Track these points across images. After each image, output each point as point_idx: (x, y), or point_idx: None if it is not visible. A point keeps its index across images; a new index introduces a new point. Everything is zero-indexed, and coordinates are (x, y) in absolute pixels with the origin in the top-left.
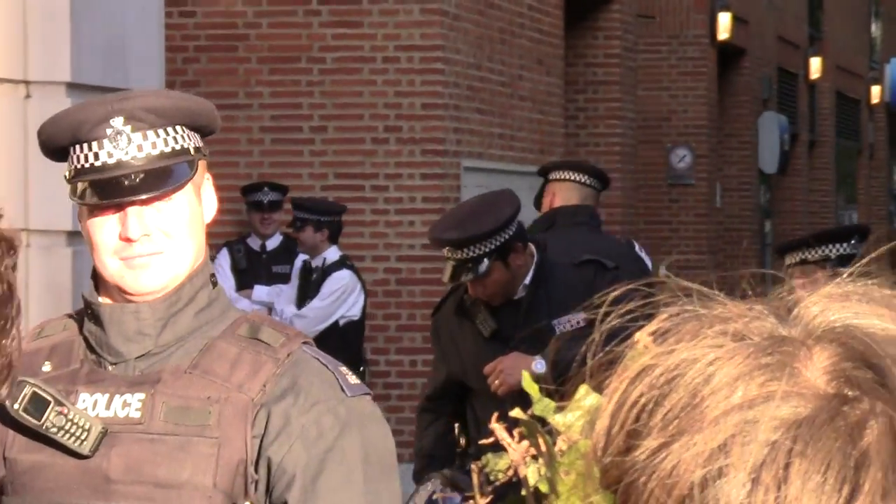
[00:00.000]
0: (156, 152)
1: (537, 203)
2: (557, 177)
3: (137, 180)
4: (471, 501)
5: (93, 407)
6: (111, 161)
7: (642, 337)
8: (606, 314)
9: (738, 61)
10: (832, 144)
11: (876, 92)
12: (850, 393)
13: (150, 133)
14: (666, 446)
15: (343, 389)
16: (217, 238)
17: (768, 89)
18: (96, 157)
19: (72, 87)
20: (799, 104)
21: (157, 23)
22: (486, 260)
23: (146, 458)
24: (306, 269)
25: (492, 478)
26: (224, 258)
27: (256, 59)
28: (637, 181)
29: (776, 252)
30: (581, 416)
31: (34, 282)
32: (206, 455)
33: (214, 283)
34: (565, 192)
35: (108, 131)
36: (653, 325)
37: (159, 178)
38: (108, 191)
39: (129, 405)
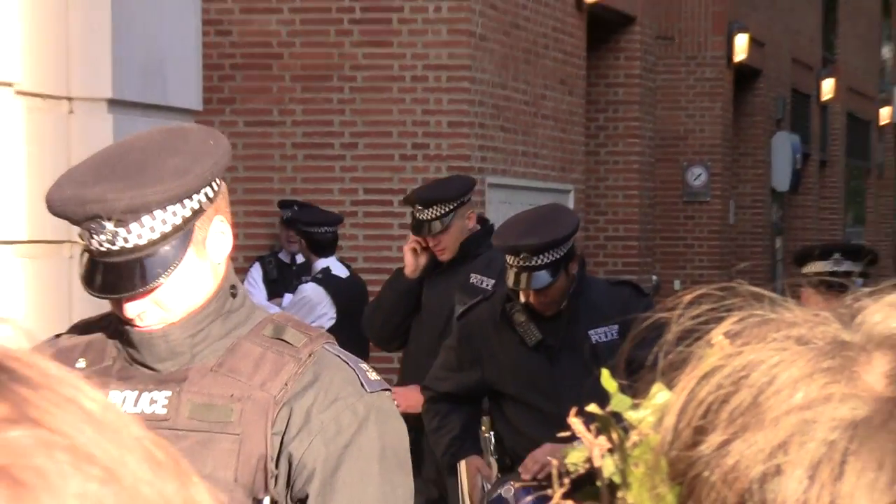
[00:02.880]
0: (142, 241)
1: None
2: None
3: (123, 274)
4: (548, 490)
5: (122, 403)
6: (97, 249)
7: (717, 337)
8: (679, 316)
9: (753, 82)
10: (842, 164)
11: (885, 113)
12: None
13: (134, 225)
14: (729, 442)
15: (363, 385)
16: (250, 250)
17: (782, 110)
18: (89, 242)
19: (112, 102)
20: (811, 124)
21: (195, 41)
22: (551, 268)
23: None
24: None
25: (571, 469)
26: (256, 270)
27: (290, 77)
28: (654, 198)
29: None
30: (653, 412)
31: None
32: (228, 451)
33: (234, 294)
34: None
35: (92, 226)
36: (724, 327)
37: (151, 266)
38: (98, 282)
39: (156, 402)
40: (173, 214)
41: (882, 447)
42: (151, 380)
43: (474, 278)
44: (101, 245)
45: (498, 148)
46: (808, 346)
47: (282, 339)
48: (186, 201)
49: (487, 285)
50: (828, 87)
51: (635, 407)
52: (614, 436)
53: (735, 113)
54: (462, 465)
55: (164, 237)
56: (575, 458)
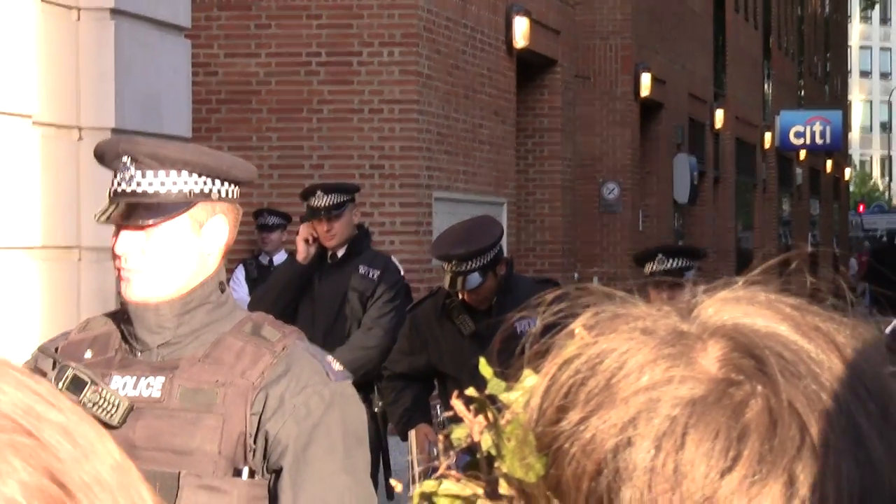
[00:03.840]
0: (151, 190)
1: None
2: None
3: (131, 209)
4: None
5: (122, 387)
6: (119, 189)
7: (576, 329)
8: (544, 312)
9: (656, 113)
10: (732, 180)
11: (768, 138)
12: (735, 377)
13: (150, 173)
14: (586, 419)
15: (328, 374)
16: (234, 254)
17: (681, 136)
18: (113, 184)
19: (116, 131)
20: (706, 148)
21: (186, 81)
22: (480, 271)
23: (164, 430)
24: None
25: (455, 444)
26: (240, 271)
27: (266, 110)
28: (574, 209)
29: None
30: (523, 394)
31: (85, 289)
32: (213, 428)
33: (223, 290)
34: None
35: (119, 165)
36: (581, 321)
37: (147, 211)
38: (111, 214)
39: (152, 386)
40: (184, 183)
41: (716, 421)
42: (148, 367)
43: (363, 269)
44: (120, 185)
45: (442, 168)
46: (652, 336)
47: (259, 335)
48: (198, 179)
49: (373, 276)
50: (719, 117)
51: (508, 389)
52: (490, 415)
53: (642, 138)
54: (412, 433)
55: (169, 196)
56: (458, 434)
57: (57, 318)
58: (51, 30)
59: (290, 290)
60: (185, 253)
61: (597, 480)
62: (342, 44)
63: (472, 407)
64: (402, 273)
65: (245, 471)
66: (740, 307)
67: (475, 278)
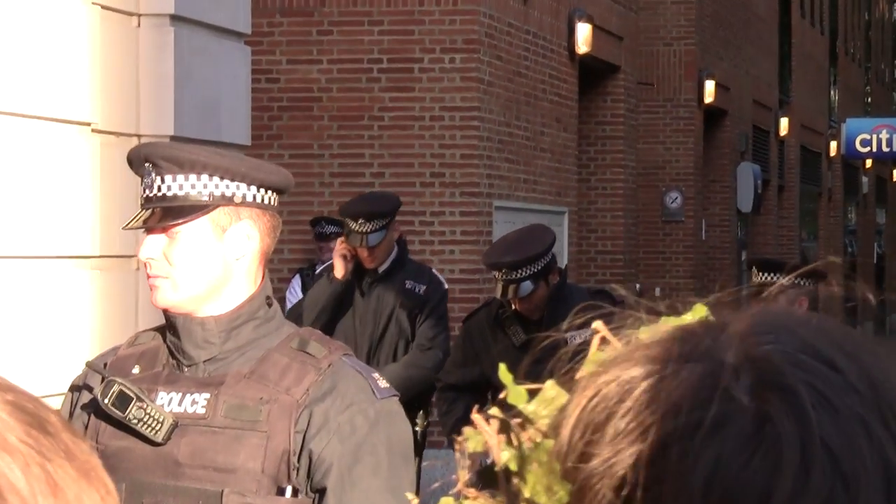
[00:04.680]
0: (170, 193)
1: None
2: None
3: (152, 214)
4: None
5: (168, 403)
6: (144, 195)
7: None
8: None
9: (720, 120)
10: (797, 189)
11: (833, 146)
12: (768, 411)
13: (168, 177)
14: (615, 457)
15: (374, 392)
16: (293, 263)
17: (745, 143)
18: (140, 190)
19: (174, 138)
20: (770, 155)
21: (245, 87)
22: (531, 280)
23: (208, 447)
24: None
25: (470, 453)
26: (297, 281)
27: (328, 117)
28: (637, 218)
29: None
30: (545, 405)
31: (142, 301)
32: (257, 446)
33: (270, 304)
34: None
35: (143, 170)
36: (611, 345)
37: (169, 215)
38: (134, 221)
39: (197, 402)
40: (203, 186)
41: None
42: (194, 383)
43: (409, 284)
44: (145, 191)
45: (503, 176)
46: (679, 361)
47: (305, 352)
48: (220, 182)
49: (420, 290)
50: (784, 124)
51: (529, 400)
52: (513, 436)
53: (705, 146)
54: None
55: (188, 199)
56: (473, 445)
57: (114, 326)
58: (110, 37)
59: (327, 311)
60: (208, 258)
61: None
62: (403, 50)
63: (493, 421)
64: (445, 285)
65: (289, 490)
66: (771, 335)
67: (527, 286)
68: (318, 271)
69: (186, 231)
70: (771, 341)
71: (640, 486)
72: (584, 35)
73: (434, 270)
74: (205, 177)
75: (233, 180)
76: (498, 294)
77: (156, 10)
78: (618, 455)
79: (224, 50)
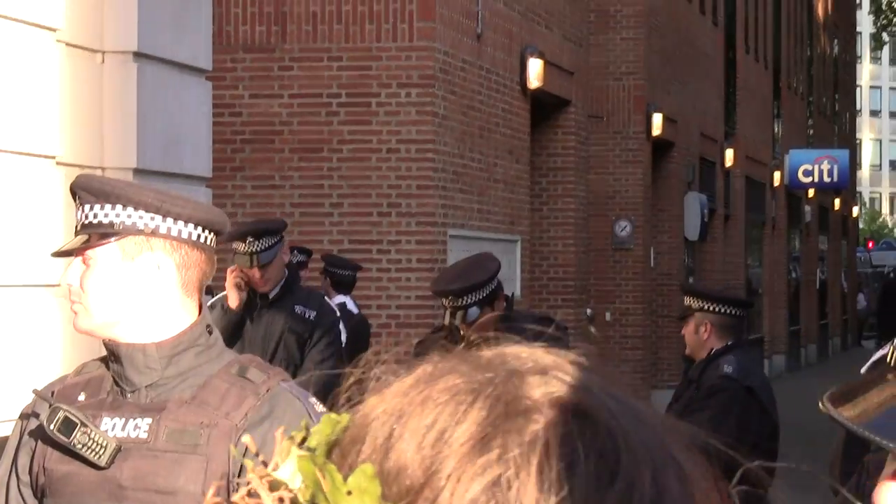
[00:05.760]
0: (86, 221)
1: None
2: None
3: (73, 241)
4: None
5: (112, 429)
6: (76, 224)
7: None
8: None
9: (668, 152)
10: (742, 217)
11: (777, 177)
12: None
13: (86, 206)
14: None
15: (310, 416)
16: None
17: (692, 174)
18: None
19: (137, 171)
20: (716, 186)
21: (207, 122)
22: (478, 306)
23: (150, 470)
24: None
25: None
26: None
27: (289, 149)
28: (587, 246)
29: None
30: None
31: None
32: (197, 469)
33: (210, 332)
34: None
35: (77, 201)
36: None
37: (84, 242)
38: (62, 246)
39: (140, 427)
40: (116, 214)
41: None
42: (136, 408)
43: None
44: (77, 219)
45: (457, 206)
46: (479, 396)
47: (245, 377)
48: (132, 212)
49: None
50: (729, 156)
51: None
52: (311, 466)
53: (653, 177)
54: None
55: (100, 227)
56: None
57: (79, 354)
58: (75, 72)
59: (230, 341)
60: (116, 285)
61: None
62: (361, 85)
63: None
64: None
65: None
66: (564, 376)
67: (473, 312)
68: (209, 303)
69: (97, 258)
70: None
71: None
72: (535, 70)
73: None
74: (118, 207)
75: (147, 211)
76: (445, 320)
77: (120, 48)
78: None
79: (186, 85)
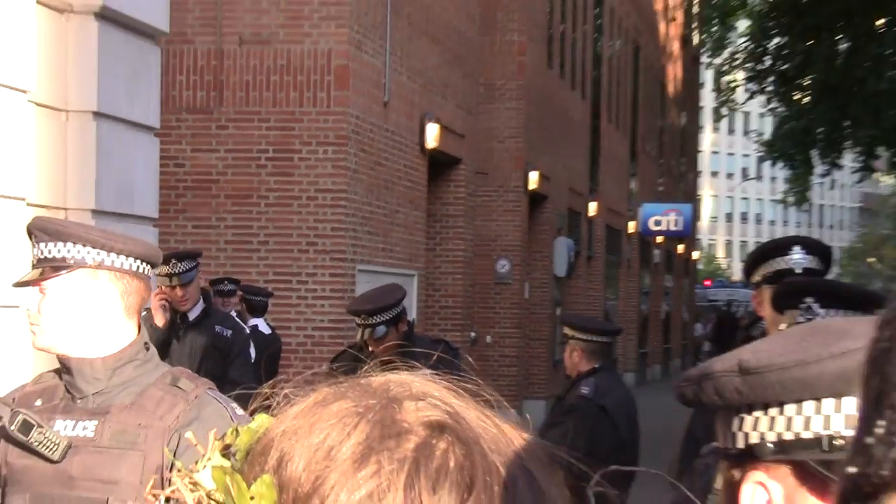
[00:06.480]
0: (41, 256)
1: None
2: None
3: (38, 274)
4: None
5: (64, 429)
6: (32, 259)
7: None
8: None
9: (542, 203)
10: (602, 258)
11: (632, 225)
12: (434, 444)
13: (41, 244)
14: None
15: (231, 418)
16: None
17: (561, 222)
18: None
19: (95, 212)
20: (581, 232)
21: (154, 171)
22: (385, 325)
23: (96, 464)
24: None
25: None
26: None
27: (223, 195)
28: (473, 281)
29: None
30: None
31: None
32: (136, 463)
33: (148, 348)
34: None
35: (31, 240)
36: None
37: (37, 275)
38: (21, 278)
39: (87, 428)
40: (67, 251)
41: (416, 474)
42: (85, 412)
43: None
44: (33, 255)
45: (365, 246)
46: (363, 418)
47: (177, 386)
48: (81, 248)
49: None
50: (593, 207)
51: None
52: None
53: (529, 223)
54: None
55: (54, 262)
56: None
57: (45, 364)
58: (44, 128)
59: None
60: (69, 310)
61: None
62: (286, 142)
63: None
64: (247, 330)
65: (162, 498)
66: (437, 402)
67: (381, 330)
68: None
69: (51, 287)
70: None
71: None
72: (432, 133)
73: (236, 318)
74: (69, 244)
75: (94, 248)
76: (358, 337)
77: (82, 108)
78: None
79: (137, 140)
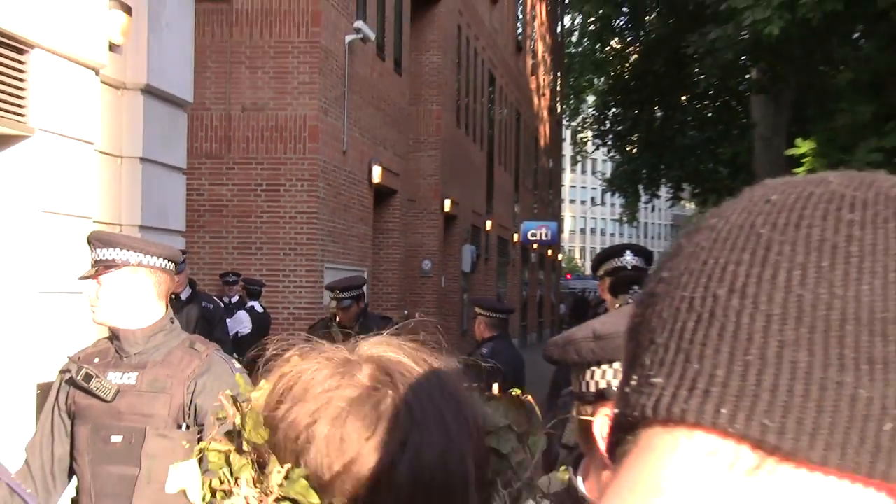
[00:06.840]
0: (97, 258)
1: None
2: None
3: (94, 271)
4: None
5: (114, 378)
6: (91, 260)
7: (291, 357)
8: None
9: (454, 221)
10: (495, 260)
11: (515, 237)
12: (377, 386)
13: (97, 249)
14: (291, 409)
15: (231, 370)
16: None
17: (467, 234)
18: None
19: (141, 227)
20: (481, 241)
21: (182, 199)
22: (350, 300)
23: (137, 403)
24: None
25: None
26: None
27: (231, 216)
28: (406, 274)
29: (473, 304)
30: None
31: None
32: (165, 402)
33: (173, 322)
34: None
35: (90, 246)
36: (292, 354)
37: (98, 272)
38: (84, 273)
39: (130, 378)
40: (118, 254)
41: (364, 410)
42: (129, 367)
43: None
44: (91, 257)
45: (330, 251)
46: (331, 361)
47: (193, 348)
48: (128, 253)
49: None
50: (489, 224)
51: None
52: (238, 406)
53: (445, 235)
54: None
55: (107, 262)
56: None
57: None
58: (104, 169)
59: None
60: (119, 296)
61: (296, 443)
62: (275, 179)
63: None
64: (221, 305)
65: (184, 426)
66: (382, 346)
67: (346, 303)
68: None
69: (105, 280)
70: (381, 351)
71: (304, 427)
72: (377, 173)
73: (214, 297)
74: (117, 249)
75: (135, 252)
76: (332, 305)
77: (132, 154)
78: (292, 407)
79: (170, 177)
